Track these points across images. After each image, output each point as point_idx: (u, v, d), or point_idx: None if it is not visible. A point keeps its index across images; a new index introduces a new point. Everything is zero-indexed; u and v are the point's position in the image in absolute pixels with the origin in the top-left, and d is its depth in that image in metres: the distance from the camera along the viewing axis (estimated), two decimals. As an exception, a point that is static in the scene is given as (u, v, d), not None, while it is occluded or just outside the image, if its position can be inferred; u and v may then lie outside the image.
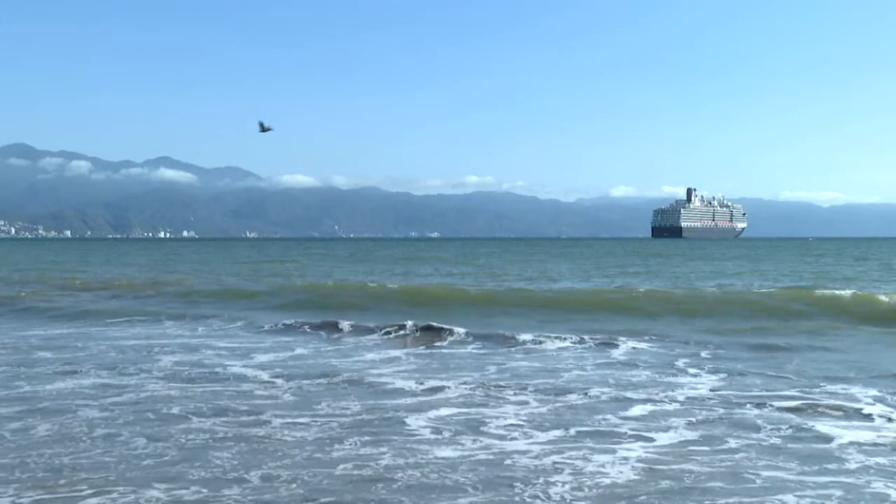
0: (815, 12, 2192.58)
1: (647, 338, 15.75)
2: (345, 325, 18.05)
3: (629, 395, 10.29)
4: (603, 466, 7.16)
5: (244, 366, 12.83)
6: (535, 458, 7.43)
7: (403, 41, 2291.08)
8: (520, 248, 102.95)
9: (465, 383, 11.19)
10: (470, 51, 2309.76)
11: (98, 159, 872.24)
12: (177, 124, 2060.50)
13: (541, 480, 6.75)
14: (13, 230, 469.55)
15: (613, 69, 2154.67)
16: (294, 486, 6.60)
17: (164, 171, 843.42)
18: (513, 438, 8.13)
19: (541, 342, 15.21)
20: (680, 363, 12.91)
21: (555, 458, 7.44)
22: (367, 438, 8.10)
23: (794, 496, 6.40)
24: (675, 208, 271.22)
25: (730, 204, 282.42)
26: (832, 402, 9.72)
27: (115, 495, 6.28)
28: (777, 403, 9.65)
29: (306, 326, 18.31)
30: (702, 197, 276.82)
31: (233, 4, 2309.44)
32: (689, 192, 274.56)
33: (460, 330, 16.54)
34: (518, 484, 6.65)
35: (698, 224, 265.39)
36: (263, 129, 32.49)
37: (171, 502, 6.18)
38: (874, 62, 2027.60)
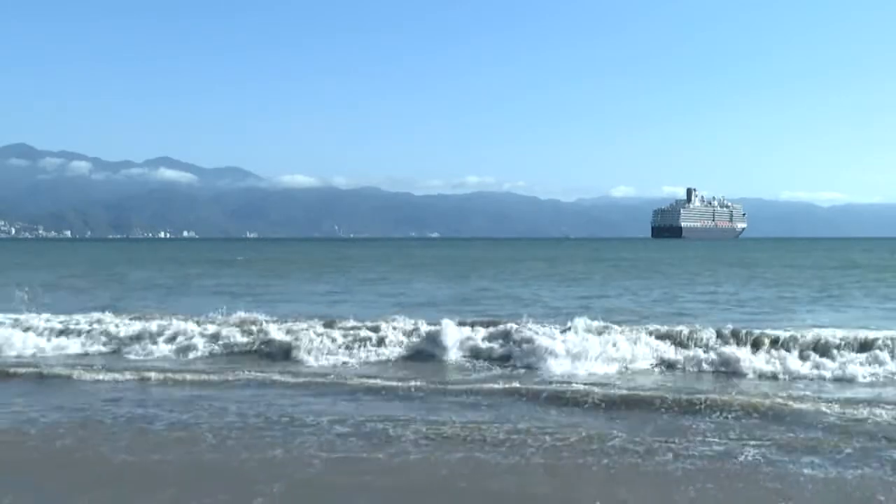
0: (816, 12, 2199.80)
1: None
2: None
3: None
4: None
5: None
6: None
7: (403, 41, 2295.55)
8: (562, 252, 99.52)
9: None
10: (470, 51, 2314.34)
11: (98, 159, 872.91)
12: (177, 124, 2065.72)
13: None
14: (13, 230, 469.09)
15: (613, 69, 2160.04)
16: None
17: (164, 171, 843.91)
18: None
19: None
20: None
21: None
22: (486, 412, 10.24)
23: None
24: (675, 208, 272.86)
25: (730, 204, 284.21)
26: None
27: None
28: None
29: None
30: (702, 197, 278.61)
31: (233, 4, 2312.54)
32: (689, 192, 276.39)
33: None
34: (663, 412, 8.63)
35: (698, 224, 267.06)
36: None
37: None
38: (875, 62, 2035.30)
